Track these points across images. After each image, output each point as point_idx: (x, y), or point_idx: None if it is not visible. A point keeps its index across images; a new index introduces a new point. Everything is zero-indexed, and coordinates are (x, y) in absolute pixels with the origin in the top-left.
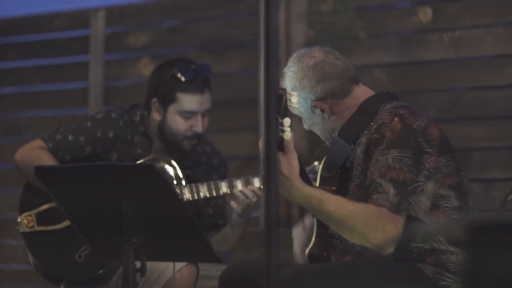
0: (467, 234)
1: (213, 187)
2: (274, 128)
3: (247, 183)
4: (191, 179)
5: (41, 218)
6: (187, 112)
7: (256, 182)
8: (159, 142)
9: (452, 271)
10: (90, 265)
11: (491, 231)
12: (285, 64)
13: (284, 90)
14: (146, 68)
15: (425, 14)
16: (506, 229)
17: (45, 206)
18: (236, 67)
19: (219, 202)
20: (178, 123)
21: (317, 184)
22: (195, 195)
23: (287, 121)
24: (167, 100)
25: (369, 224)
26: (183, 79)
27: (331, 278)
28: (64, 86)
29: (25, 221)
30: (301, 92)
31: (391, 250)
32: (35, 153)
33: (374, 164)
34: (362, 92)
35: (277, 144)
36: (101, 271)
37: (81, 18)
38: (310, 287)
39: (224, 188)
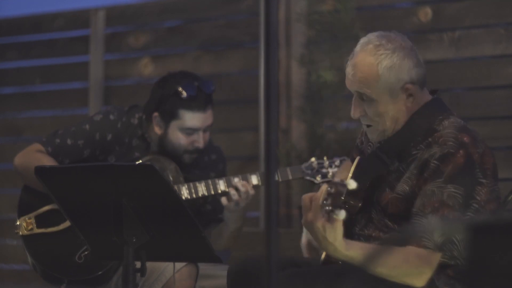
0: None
1: (211, 185)
2: (274, 128)
3: (245, 180)
4: (189, 178)
5: (41, 221)
6: (189, 129)
7: (254, 179)
8: (156, 147)
9: (463, 282)
10: (90, 266)
11: (491, 231)
12: (285, 64)
13: (343, 184)
14: (146, 68)
15: (425, 14)
16: (506, 229)
17: (44, 208)
18: (236, 67)
19: (216, 198)
20: (179, 139)
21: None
22: (194, 194)
23: (342, 214)
24: (169, 116)
25: (409, 276)
26: (185, 96)
27: (324, 282)
28: (64, 86)
29: (24, 224)
30: (397, 72)
31: (424, 284)
32: (34, 156)
33: (429, 195)
34: (425, 91)
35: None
36: (101, 272)
37: (81, 18)
38: None
39: (222, 186)
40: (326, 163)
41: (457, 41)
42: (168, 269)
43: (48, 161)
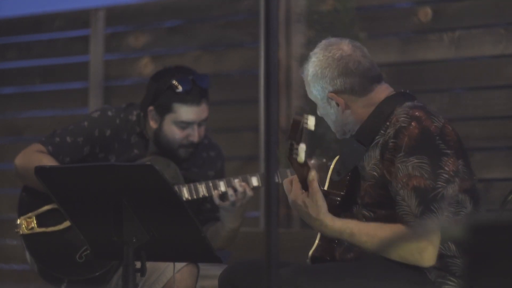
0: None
1: (211, 186)
2: (274, 128)
3: (245, 181)
4: (187, 177)
5: (41, 220)
6: (183, 123)
7: (254, 181)
8: (155, 147)
9: (457, 275)
10: (90, 266)
11: (491, 231)
12: (286, 64)
13: (302, 116)
14: (146, 68)
15: (425, 14)
16: (506, 229)
17: (45, 208)
18: (236, 67)
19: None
20: (174, 133)
21: (325, 187)
22: (194, 195)
23: (302, 147)
24: (164, 109)
25: (403, 251)
26: (180, 89)
27: (329, 279)
28: (64, 86)
29: (25, 223)
30: (320, 81)
31: (434, 261)
32: (35, 157)
33: (395, 173)
34: (381, 92)
35: (300, 181)
36: (101, 272)
37: (81, 18)
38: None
39: (222, 187)
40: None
41: (457, 41)
42: (168, 269)
43: (48, 161)
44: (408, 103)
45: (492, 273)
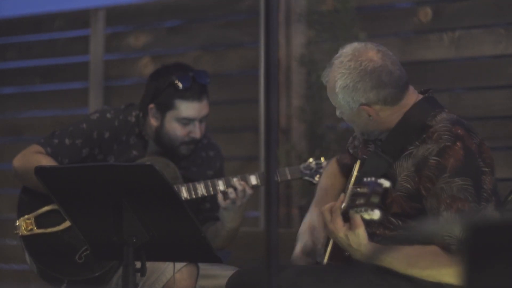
0: (467, 233)
1: (210, 185)
2: (274, 128)
3: (244, 181)
4: (186, 176)
5: (40, 221)
6: (185, 119)
7: (253, 179)
8: (154, 145)
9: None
10: (90, 266)
11: (491, 231)
12: (286, 64)
13: (386, 189)
14: (146, 68)
15: (425, 14)
16: (506, 229)
17: (44, 209)
18: (236, 67)
19: (215, 196)
20: (175, 130)
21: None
22: (193, 194)
23: (377, 213)
24: (165, 107)
25: (438, 275)
26: (181, 86)
27: (331, 280)
28: (64, 86)
29: (24, 225)
30: (352, 93)
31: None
32: (34, 158)
33: (439, 193)
34: (410, 98)
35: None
36: (101, 272)
37: (81, 18)
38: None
39: (221, 186)
40: (324, 163)
41: (457, 41)
42: (168, 269)
43: (47, 162)
44: (444, 115)
45: (492, 273)
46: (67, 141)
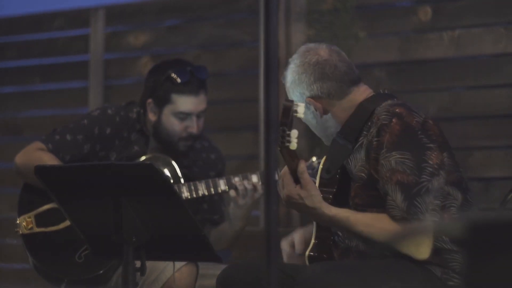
0: (467, 233)
1: (211, 185)
2: (274, 128)
3: (245, 180)
4: (188, 177)
5: (40, 220)
6: (182, 113)
7: (254, 179)
8: (155, 141)
9: (457, 271)
10: (90, 265)
11: (491, 230)
12: (285, 63)
13: (292, 101)
14: (146, 67)
15: (425, 13)
16: (506, 229)
17: (44, 207)
18: (236, 67)
19: (214, 198)
20: (173, 124)
21: (316, 185)
22: (194, 193)
23: (294, 132)
24: (162, 101)
25: (399, 243)
26: (178, 80)
27: (355, 277)
28: (64, 86)
29: (24, 223)
30: (298, 87)
31: (426, 256)
32: (36, 155)
33: (380, 170)
34: (360, 94)
35: (291, 174)
36: (101, 271)
37: (81, 17)
38: (337, 285)
39: (222, 185)
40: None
41: (457, 40)
42: (168, 268)
43: (49, 159)
44: (389, 102)
45: (492, 272)
46: (68, 137)
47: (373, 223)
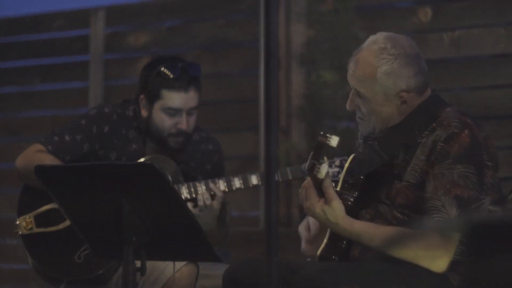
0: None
1: (211, 185)
2: (274, 128)
3: (245, 180)
4: (186, 173)
5: (40, 220)
6: (171, 109)
7: (254, 179)
8: (150, 139)
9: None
10: (90, 265)
11: (491, 231)
12: (286, 63)
13: (326, 137)
14: None
15: (425, 14)
16: (507, 229)
17: (44, 208)
18: (236, 67)
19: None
20: (163, 120)
21: (338, 187)
22: (194, 194)
23: (324, 166)
24: (152, 96)
25: (419, 255)
26: (168, 75)
27: (353, 280)
28: (64, 86)
29: (24, 224)
30: (396, 79)
31: (443, 269)
32: (36, 157)
33: (439, 178)
34: (428, 92)
35: (315, 187)
36: (101, 271)
37: (81, 18)
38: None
39: (222, 186)
40: (326, 162)
41: (457, 40)
42: (168, 268)
43: (49, 160)
44: (453, 107)
45: (492, 273)
46: (67, 137)
47: (396, 240)
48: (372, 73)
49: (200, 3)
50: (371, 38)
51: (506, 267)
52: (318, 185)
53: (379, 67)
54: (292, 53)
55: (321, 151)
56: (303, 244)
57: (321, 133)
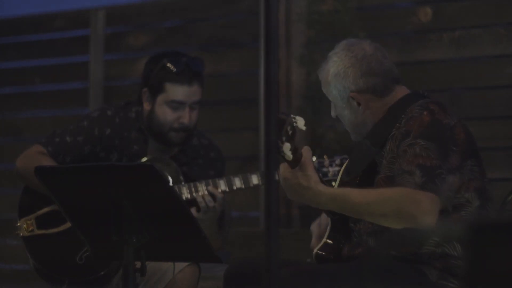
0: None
1: (211, 185)
2: (274, 128)
3: (245, 180)
4: (188, 176)
5: (41, 222)
6: (174, 102)
7: (255, 179)
8: (155, 142)
9: (459, 277)
10: (91, 267)
11: (491, 231)
12: (285, 64)
13: (288, 115)
14: None
15: (425, 14)
16: (506, 229)
17: (45, 210)
18: (236, 67)
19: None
20: (165, 114)
21: (336, 187)
22: (194, 194)
23: (287, 146)
24: (155, 89)
25: (399, 203)
26: (172, 69)
27: (328, 279)
28: (64, 86)
29: (25, 226)
30: (343, 81)
31: (433, 219)
32: (36, 158)
33: (402, 155)
34: (400, 93)
35: (277, 166)
36: (102, 272)
37: (81, 18)
38: None
39: (222, 186)
40: (327, 162)
41: (457, 40)
42: (170, 269)
43: (48, 163)
44: (426, 100)
45: (492, 273)
46: (68, 139)
47: (370, 193)
48: (326, 77)
49: (200, 3)
50: (337, 45)
51: (506, 267)
52: (291, 163)
53: (329, 70)
54: (292, 53)
55: (282, 129)
56: (313, 240)
57: (281, 112)
